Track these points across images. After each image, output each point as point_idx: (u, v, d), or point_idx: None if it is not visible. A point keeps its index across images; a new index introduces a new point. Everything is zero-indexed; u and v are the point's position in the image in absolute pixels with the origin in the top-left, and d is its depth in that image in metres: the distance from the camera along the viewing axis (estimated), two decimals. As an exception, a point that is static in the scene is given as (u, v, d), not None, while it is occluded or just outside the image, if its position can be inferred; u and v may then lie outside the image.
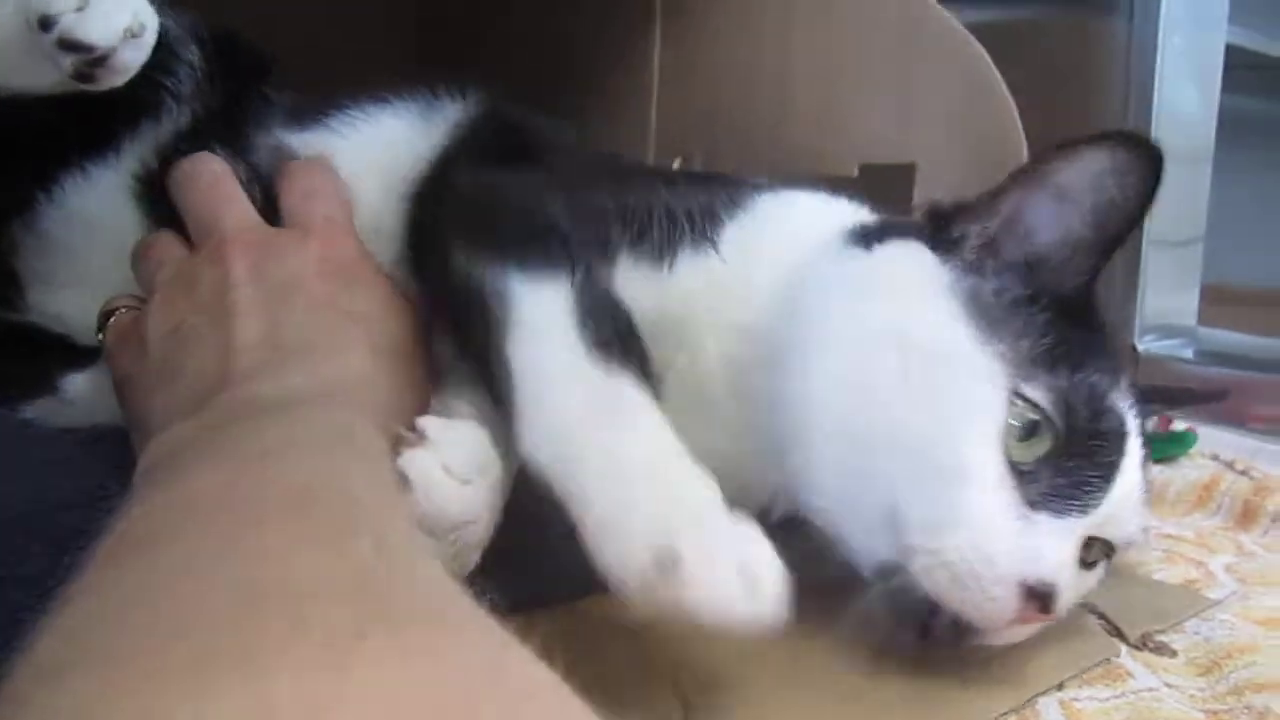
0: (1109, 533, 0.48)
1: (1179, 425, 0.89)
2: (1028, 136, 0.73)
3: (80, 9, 0.50)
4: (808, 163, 0.81)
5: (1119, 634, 0.52)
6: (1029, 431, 0.46)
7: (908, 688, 0.46)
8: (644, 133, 0.93)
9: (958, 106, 0.74)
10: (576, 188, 0.56)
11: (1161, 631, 0.53)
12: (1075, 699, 0.47)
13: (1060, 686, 0.48)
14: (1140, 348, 1.07)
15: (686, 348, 0.55)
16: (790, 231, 0.57)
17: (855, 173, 0.78)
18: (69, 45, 0.49)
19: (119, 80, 0.53)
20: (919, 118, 0.76)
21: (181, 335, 0.49)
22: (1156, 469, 0.79)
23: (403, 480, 0.42)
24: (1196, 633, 0.53)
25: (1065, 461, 0.46)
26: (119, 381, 0.53)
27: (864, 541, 0.48)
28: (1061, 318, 0.48)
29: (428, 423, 0.45)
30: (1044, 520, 0.45)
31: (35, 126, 0.60)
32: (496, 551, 0.49)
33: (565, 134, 0.72)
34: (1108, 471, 0.47)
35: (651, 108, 0.93)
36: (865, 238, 0.55)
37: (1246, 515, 0.73)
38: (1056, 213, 0.50)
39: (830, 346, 0.50)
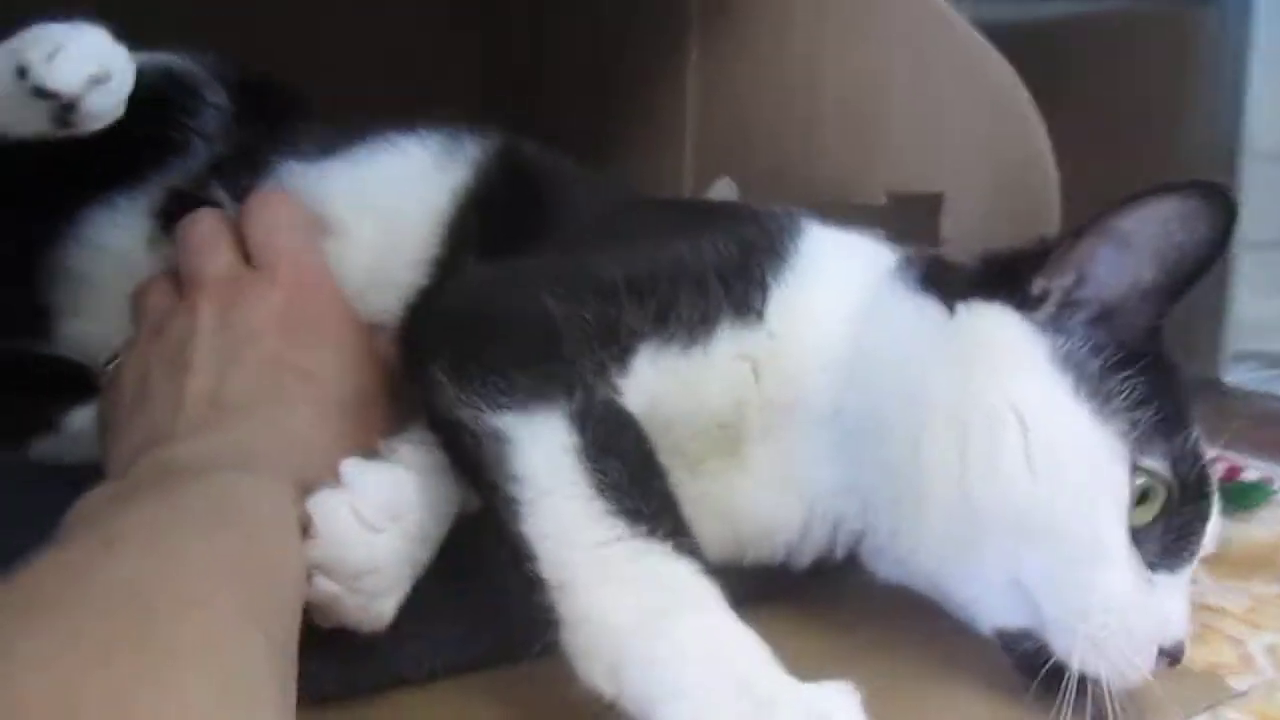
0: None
1: (1251, 475, 0.80)
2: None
3: (49, 58, 0.52)
4: (837, 189, 0.78)
5: (1103, 727, 0.47)
6: (1142, 496, 0.47)
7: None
8: (680, 159, 0.91)
9: (985, 132, 0.69)
10: (584, 267, 0.53)
11: (1161, 727, 0.47)
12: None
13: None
14: (1228, 380, 0.97)
15: (724, 424, 0.53)
16: (840, 285, 0.54)
17: (882, 200, 0.74)
18: (40, 92, 0.52)
19: (95, 125, 0.55)
20: (946, 143, 0.72)
21: (145, 386, 0.50)
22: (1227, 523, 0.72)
23: (308, 523, 0.42)
24: (1196, 732, 0.48)
25: (1174, 519, 0.48)
26: (100, 428, 0.55)
27: (982, 606, 0.50)
28: (1150, 370, 0.49)
29: (347, 466, 0.45)
30: (1163, 579, 0.47)
31: (62, 163, 0.63)
32: (450, 603, 0.49)
33: (584, 174, 0.70)
34: (1208, 515, 0.49)
35: (686, 135, 0.91)
36: (929, 284, 0.53)
37: (1313, 584, 0.65)
38: (1126, 262, 0.50)
39: (940, 421, 0.49)
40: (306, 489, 0.44)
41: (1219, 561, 0.69)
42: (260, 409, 0.47)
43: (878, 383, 0.51)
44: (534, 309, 0.50)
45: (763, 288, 0.52)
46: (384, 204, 0.64)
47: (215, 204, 0.63)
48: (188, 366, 0.49)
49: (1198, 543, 0.48)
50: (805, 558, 0.55)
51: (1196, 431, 0.49)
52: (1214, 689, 0.52)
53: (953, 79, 0.71)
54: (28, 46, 0.53)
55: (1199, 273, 0.48)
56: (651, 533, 0.42)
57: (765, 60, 0.84)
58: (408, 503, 0.46)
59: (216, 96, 0.71)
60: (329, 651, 0.43)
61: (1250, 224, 0.95)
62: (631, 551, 0.42)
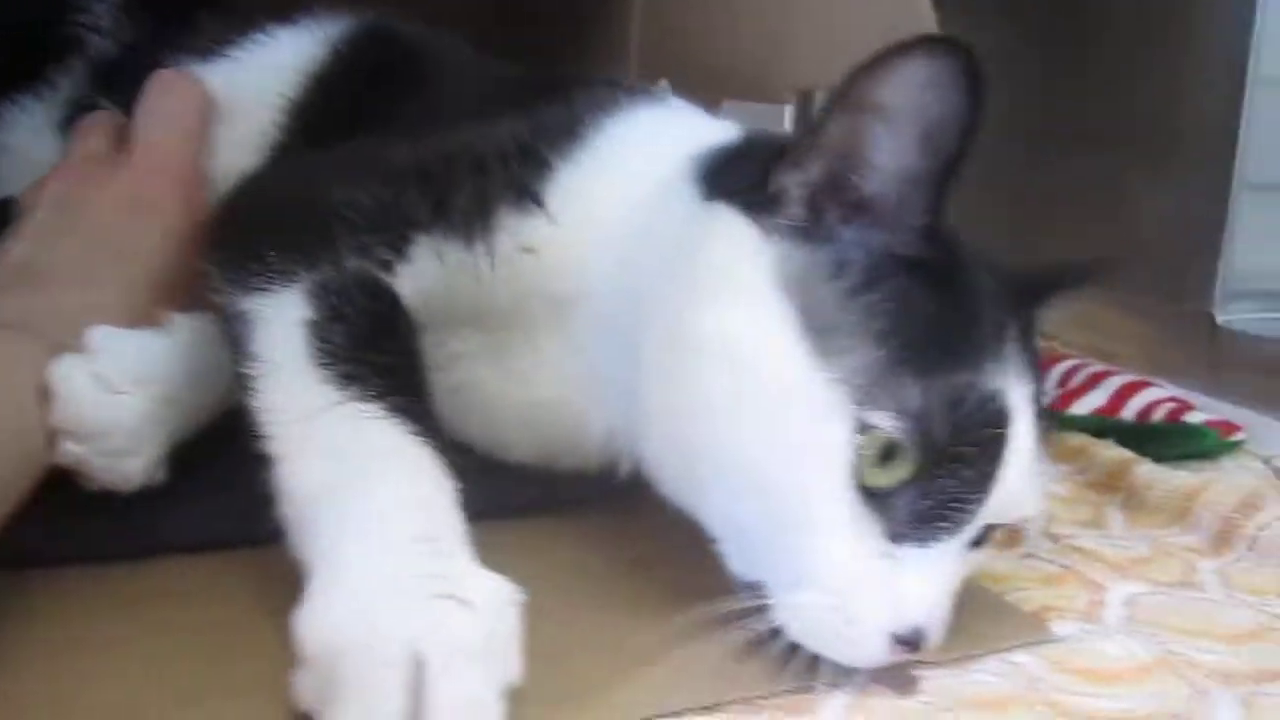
0: (998, 518, 0.42)
1: (1197, 416, 0.71)
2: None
3: None
4: (751, 90, 0.73)
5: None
6: (887, 453, 0.39)
7: (552, 669, 0.37)
8: (625, 65, 0.87)
9: (882, 25, 0.63)
10: (381, 152, 0.51)
11: (937, 664, 0.42)
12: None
13: (711, 709, 0.38)
14: (1221, 319, 0.87)
15: (511, 323, 0.51)
16: (635, 169, 0.50)
17: (791, 100, 0.69)
18: None
19: None
20: (848, 39, 0.66)
21: None
22: (1156, 469, 0.65)
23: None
24: (967, 673, 0.42)
25: (930, 482, 0.39)
26: None
27: (721, 549, 0.44)
28: (913, 290, 0.41)
29: (93, 332, 0.46)
30: (910, 553, 0.40)
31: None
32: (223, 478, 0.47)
33: (458, 50, 0.68)
34: (983, 480, 0.40)
35: (630, 41, 0.86)
36: (705, 178, 0.47)
37: (1223, 537, 0.57)
38: (886, 142, 0.41)
39: (658, 341, 0.44)
40: None
41: (1141, 507, 0.63)
42: (60, 282, 0.48)
43: (636, 283, 0.46)
44: (307, 195, 0.50)
45: (546, 169, 0.48)
46: (248, 96, 0.64)
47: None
48: (18, 236, 0.51)
49: (966, 513, 0.40)
50: (619, 467, 0.52)
51: (970, 374, 0.40)
52: (1029, 631, 0.46)
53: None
54: None
55: (961, 151, 0.39)
56: (361, 396, 0.42)
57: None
58: (157, 369, 0.46)
59: None
60: (92, 515, 0.45)
61: (1253, 163, 0.85)
62: (336, 418, 0.41)
